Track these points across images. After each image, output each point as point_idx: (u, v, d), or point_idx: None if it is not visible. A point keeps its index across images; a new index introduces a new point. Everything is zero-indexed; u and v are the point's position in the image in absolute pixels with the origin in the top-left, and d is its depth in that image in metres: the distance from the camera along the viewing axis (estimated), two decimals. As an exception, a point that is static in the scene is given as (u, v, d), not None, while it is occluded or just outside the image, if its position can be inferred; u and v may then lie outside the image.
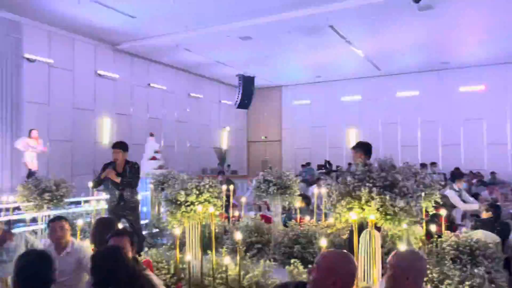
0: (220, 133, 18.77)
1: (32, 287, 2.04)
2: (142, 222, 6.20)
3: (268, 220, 5.75)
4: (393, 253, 2.17)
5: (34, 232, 4.45)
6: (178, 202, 3.37)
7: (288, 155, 19.84)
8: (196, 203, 3.38)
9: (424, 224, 4.51)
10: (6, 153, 10.22)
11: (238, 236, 3.16)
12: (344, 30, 11.56)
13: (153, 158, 9.69)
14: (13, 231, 3.84)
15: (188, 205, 3.38)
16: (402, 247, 2.70)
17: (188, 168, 15.46)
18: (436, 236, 4.36)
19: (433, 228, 4.48)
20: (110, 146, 13.29)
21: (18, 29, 10.81)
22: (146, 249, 4.04)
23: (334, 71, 16.52)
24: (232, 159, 18.69)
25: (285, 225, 5.83)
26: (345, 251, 1.97)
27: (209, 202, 3.45)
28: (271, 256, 4.82)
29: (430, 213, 4.49)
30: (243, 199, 6.36)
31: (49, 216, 4.61)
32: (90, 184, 4.81)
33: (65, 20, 11.05)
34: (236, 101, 16.28)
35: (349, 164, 16.11)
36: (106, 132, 13.21)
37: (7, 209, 4.61)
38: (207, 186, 3.47)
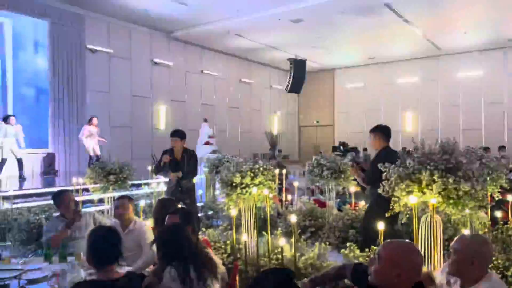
0: (271, 118, 18.80)
1: (104, 259, 2.19)
2: (198, 204, 6.42)
3: (321, 204, 5.72)
4: (457, 237, 2.09)
5: (101, 212, 4.74)
6: (234, 184, 3.45)
7: (341, 139, 19.47)
8: (251, 185, 3.44)
9: (489, 210, 4.30)
10: (73, 140, 10.92)
11: (293, 218, 3.19)
12: (401, 8, 11.04)
13: (207, 143, 9.93)
14: (82, 211, 4.12)
15: (243, 187, 3.45)
16: (466, 232, 2.60)
17: (240, 153, 15.69)
18: (501, 222, 4.13)
19: (498, 214, 4.25)
20: (166, 131, 13.81)
21: (81, 21, 11.41)
22: (203, 229, 4.19)
23: (389, 52, 15.89)
24: (283, 144, 18.68)
25: (339, 209, 5.78)
26: (408, 241, 1.92)
27: (264, 185, 3.50)
28: (325, 240, 4.81)
29: (496, 198, 4.27)
30: (296, 183, 6.37)
31: (114, 197, 4.91)
32: (149, 168, 5.03)
33: (123, 11, 11.49)
34: (287, 85, 16.17)
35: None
36: (162, 118, 13.69)
37: (77, 191, 4.97)
38: (261, 169, 3.52)
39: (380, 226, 2.98)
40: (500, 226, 4.09)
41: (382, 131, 4.31)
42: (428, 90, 16.79)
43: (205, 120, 10.96)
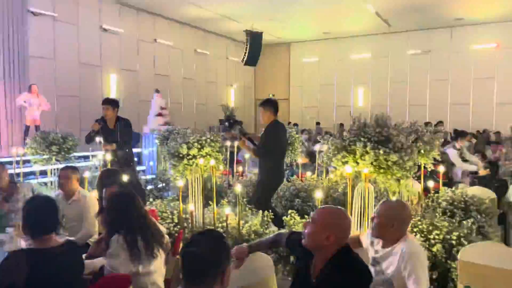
0: (227, 90, 18.71)
1: (39, 229, 2.18)
2: (149, 176, 6.40)
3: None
4: (380, 203, 2.28)
5: (45, 184, 4.62)
6: (181, 155, 3.48)
7: (296, 113, 19.81)
8: (198, 156, 3.48)
9: (422, 180, 4.62)
10: (14, 109, 10.36)
11: (239, 188, 3.29)
12: (354, -16, 11.19)
13: (159, 115, 9.78)
14: (24, 182, 4.01)
15: (190, 158, 3.49)
16: (392, 199, 2.80)
17: (196, 126, 15.58)
18: (433, 191, 4.46)
19: (430, 184, 4.58)
20: (117, 102, 13.36)
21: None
22: (151, 200, 4.21)
23: (343, 27, 16.15)
24: (240, 117, 18.71)
25: (288, 180, 5.97)
26: (339, 207, 2.06)
27: (211, 156, 3.56)
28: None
29: (429, 169, 4.59)
30: (247, 156, 6.48)
31: (58, 168, 4.78)
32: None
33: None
34: (243, 57, 16.08)
35: (318, 123, 16.07)
36: (113, 87, 13.24)
37: (17, 162, 4.78)
38: (208, 140, 3.56)
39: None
40: (431, 195, 4.43)
41: (271, 105, 4.56)
42: (379, 66, 17.32)
43: (157, 91, 10.74)
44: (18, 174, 4.56)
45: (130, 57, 13.91)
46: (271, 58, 19.23)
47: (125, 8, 13.52)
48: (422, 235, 3.04)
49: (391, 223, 2.14)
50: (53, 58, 11.63)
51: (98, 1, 12.72)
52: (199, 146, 3.49)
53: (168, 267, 2.75)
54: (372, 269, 2.32)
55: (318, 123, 16.30)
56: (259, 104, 4.65)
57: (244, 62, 16.29)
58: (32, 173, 5.33)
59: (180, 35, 15.82)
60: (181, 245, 2.96)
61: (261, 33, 16.11)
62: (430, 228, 3.05)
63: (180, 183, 3.48)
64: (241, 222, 3.41)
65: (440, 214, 3.73)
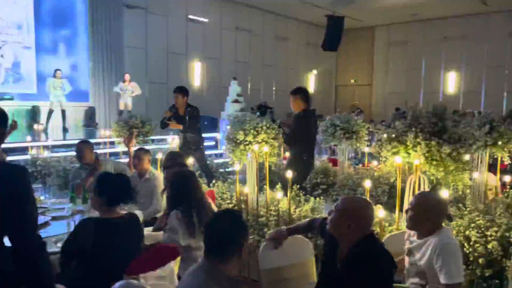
0: (307, 76, 18.63)
1: (107, 202, 2.52)
2: (222, 160, 6.77)
3: (336, 163, 5.87)
4: (415, 195, 2.25)
5: (126, 164, 5.16)
6: (238, 141, 3.69)
7: (379, 100, 19.09)
8: (254, 142, 3.66)
9: (498, 174, 4.32)
10: (112, 94, 11.49)
11: (289, 174, 3.41)
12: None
13: (236, 101, 10.16)
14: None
15: (247, 144, 3.68)
16: (445, 192, 2.72)
17: (274, 112, 15.82)
18: (508, 186, 4.15)
19: (507, 178, 4.26)
20: (200, 88, 14.13)
21: (117, -22, 11.65)
22: (213, 181, 4.51)
23: (435, 8, 15.04)
24: (319, 104, 18.54)
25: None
26: (364, 197, 2.09)
27: (266, 142, 3.71)
28: (334, 197, 5.01)
29: (506, 162, 4.30)
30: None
31: (137, 150, 5.31)
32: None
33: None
34: (323, 42, 15.86)
35: (397, 109, 15.02)
36: (196, 75, 13.99)
37: (104, 143, 5.40)
38: (264, 127, 3.72)
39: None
40: (507, 191, 4.12)
41: (302, 94, 4.57)
42: (473, 50, 15.91)
43: (234, 78, 11.14)
44: (105, 154, 5.17)
45: (213, 45, 14.52)
46: (353, 42, 18.65)
47: (210, -2, 14.11)
48: (480, 231, 2.89)
49: (426, 216, 2.12)
50: (145, 48, 12.62)
51: (186, -8, 13.45)
52: (255, 133, 3.67)
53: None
54: (406, 259, 2.32)
55: (397, 109, 15.55)
56: (290, 92, 4.68)
57: (324, 47, 16.07)
58: (117, 153, 5.99)
59: (261, 22, 16.07)
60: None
61: (343, 17, 15.71)
62: (488, 224, 2.89)
63: (237, 167, 3.70)
64: (293, 207, 3.54)
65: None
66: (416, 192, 2.99)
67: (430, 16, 16.18)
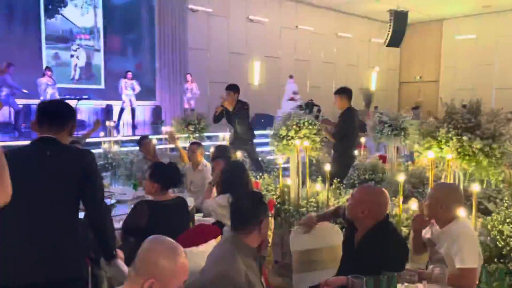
0: (369, 73, 18.30)
1: (159, 186, 2.92)
2: (275, 156, 7.05)
3: (385, 160, 5.90)
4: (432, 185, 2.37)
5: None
6: (281, 136, 3.94)
7: (446, 97, 18.12)
8: (295, 137, 3.90)
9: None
10: (176, 93, 12.26)
11: (327, 167, 3.60)
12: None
13: (292, 99, 10.38)
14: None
15: (289, 139, 3.93)
16: (475, 187, 2.78)
17: (333, 109, 15.80)
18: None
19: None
20: (259, 87, 14.48)
21: (183, -17, 12.38)
22: (260, 174, 4.81)
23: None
24: (382, 101, 18.16)
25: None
26: (378, 186, 2.27)
27: (308, 138, 3.93)
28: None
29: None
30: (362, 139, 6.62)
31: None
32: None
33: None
34: (386, 38, 15.52)
35: (463, 105, 14.08)
36: (256, 74, 14.40)
37: (165, 138, 5.92)
38: (306, 123, 3.94)
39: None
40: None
41: (346, 93, 4.87)
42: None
43: (291, 77, 11.36)
44: (165, 149, 5.69)
45: (272, 44, 14.83)
46: (419, 37, 18.00)
47: (270, -2, 14.43)
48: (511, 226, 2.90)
49: (439, 204, 2.23)
50: (207, 49, 13.26)
51: (246, -6, 13.90)
52: (297, 129, 3.90)
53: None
54: (428, 249, 2.44)
55: (464, 106, 14.77)
56: (334, 91, 5.05)
57: (386, 43, 15.72)
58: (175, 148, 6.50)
59: (321, 20, 16.09)
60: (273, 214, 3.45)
61: (407, 12, 15.25)
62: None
63: (280, 160, 3.96)
64: (333, 199, 3.73)
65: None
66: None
67: (502, 8, 15.18)
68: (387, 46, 15.87)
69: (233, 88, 5.59)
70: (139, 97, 10.74)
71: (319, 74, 16.39)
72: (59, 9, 10.09)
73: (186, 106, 11.00)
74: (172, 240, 1.48)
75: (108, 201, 3.64)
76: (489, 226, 2.94)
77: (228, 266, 1.81)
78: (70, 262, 2.00)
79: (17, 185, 1.39)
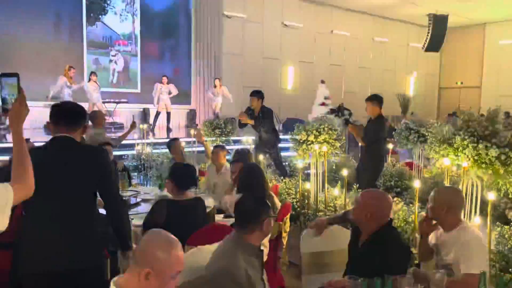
0: (406, 78, 17.91)
1: (177, 186, 3.08)
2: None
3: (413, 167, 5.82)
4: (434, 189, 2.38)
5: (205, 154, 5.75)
6: (301, 141, 4.02)
7: (489, 103, 17.44)
8: (315, 142, 3.96)
9: None
10: (206, 98, 12.52)
11: (345, 172, 3.64)
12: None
13: (323, 104, 10.37)
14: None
15: (309, 144, 3.99)
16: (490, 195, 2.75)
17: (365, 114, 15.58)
18: None
19: None
20: (293, 92, 14.52)
21: (220, -10, 12.69)
22: (281, 178, 4.89)
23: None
24: (420, 107, 17.70)
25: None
26: (381, 191, 2.31)
27: (328, 143, 3.98)
28: (408, 201, 5.03)
29: None
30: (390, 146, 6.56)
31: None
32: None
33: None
34: (424, 43, 15.16)
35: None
36: (290, 79, 14.48)
37: (194, 142, 6.13)
38: (326, 128, 3.99)
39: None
40: None
41: (378, 100, 5.00)
42: None
43: (322, 82, 11.35)
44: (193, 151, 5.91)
45: (307, 49, 14.86)
46: (460, 41, 17.44)
47: (305, 3, 14.48)
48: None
49: (442, 207, 2.25)
50: (241, 54, 13.49)
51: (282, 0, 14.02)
52: (317, 133, 3.96)
53: (273, 230, 3.36)
54: (435, 256, 2.44)
55: (506, 113, 14.14)
56: (366, 98, 5.13)
57: (425, 48, 15.35)
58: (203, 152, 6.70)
59: (357, 24, 15.95)
60: (287, 217, 3.52)
61: (447, 15, 14.84)
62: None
63: (300, 164, 4.03)
64: (350, 203, 3.76)
65: None
66: (469, 195, 3.03)
67: (551, 9, 14.46)
68: (425, 51, 15.51)
69: (257, 94, 5.73)
70: (175, 101, 11.08)
71: (354, 79, 16.23)
72: (100, 16, 10.67)
73: (216, 110, 11.22)
74: (169, 234, 1.61)
75: (133, 200, 3.87)
76: (506, 235, 2.89)
77: (228, 263, 1.93)
78: (88, 252, 2.18)
79: (39, 182, 1.56)
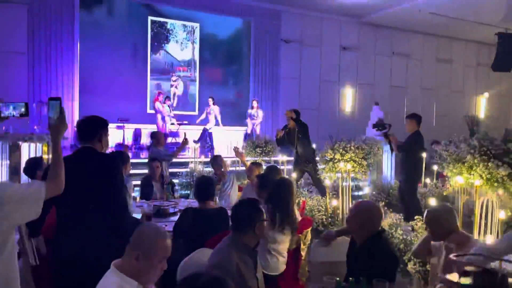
0: (476, 99, 17.01)
1: (200, 196, 3.42)
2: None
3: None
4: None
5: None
6: (328, 159, 4.19)
7: None
8: (341, 160, 4.11)
9: None
10: (268, 119, 12.94)
11: (365, 190, 3.75)
12: None
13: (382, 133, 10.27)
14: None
15: (336, 162, 4.15)
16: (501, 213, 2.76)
17: (435, 136, 14.96)
18: None
19: None
20: (351, 114, 14.44)
21: (277, 16, 13.23)
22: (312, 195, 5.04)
23: None
24: (492, 129, 16.53)
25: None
26: (371, 201, 2.47)
27: (354, 161, 4.10)
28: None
29: None
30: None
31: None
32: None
33: (315, 3, 12.65)
34: (493, 62, 14.39)
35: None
36: (348, 101, 14.48)
37: (238, 161, 6.49)
38: (353, 147, 4.13)
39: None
40: None
41: (416, 119, 5.48)
42: None
43: (376, 104, 11.23)
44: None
45: (366, 71, 14.81)
46: (537, 60, 16.23)
47: (365, 26, 14.54)
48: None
49: (434, 222, 2.37)
50: (298, 78, 13.82)
51: (340, 23, 14.22)
52: (343, 152, 4.11)
53: (291, 242, 3.56)
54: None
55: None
56: (406, 116, 5.63)
57: (494, 67, 14.55)
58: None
59: (419, 45, 15.62)
60: (308, 230, 3.69)
61: (518, 33, 14.02)
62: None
63: (327, 182, 4.19)
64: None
65: None
66: (484, 214, 3.03)
67: None
68: (494, 70, 14.67)
69: (293, 112, 5.99)
70: (235, 122, 11.58)
71: (417, 101, 15.77)
72: (163, 45, 11.69)
73: (248, 131, 11.47)
74: (160, 226, 1.93)
75: (172, 210, 4.29)
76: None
77: (222, 258, 2.20)
78: (107, 251, 2.48)
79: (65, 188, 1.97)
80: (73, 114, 10.31)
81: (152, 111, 11.18)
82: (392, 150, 5.54)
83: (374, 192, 5.74)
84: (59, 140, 2.05)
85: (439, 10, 12.85)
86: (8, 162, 6.31)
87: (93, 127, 2.65)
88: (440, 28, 14.89)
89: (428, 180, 5.98)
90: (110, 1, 11.04)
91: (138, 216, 3.83)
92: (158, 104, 10.46)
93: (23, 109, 2.11)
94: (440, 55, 16.08)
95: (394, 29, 15.01)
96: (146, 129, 10.69)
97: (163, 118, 10.40)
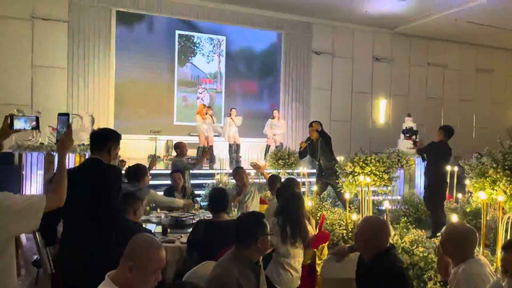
0: (521, 111, 16.19)
1: (214, 208, 3.42)
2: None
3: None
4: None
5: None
6: (347, 172, 4.08)
7: None
8: (361, 173, 3.99)
9: None
10: (299, 133, 12.83)
11: (386, 204, 3.61)
12: None
13: (409, 138, 9.97)
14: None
15: (356, 175, 4.04)
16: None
17: (468, 149, 14.35)
18: None
19: None
20: (385, 125, 14.11)
21: (309, 29, 13.20)
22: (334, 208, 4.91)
23: None
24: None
25: None
26: (380, 218, 2.36)
27: (375, 175, 3.98)
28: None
29: None
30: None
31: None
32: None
33: (346, 15, 12.55)
34: (537, 72, 13.70)
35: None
36: (382, 112, 14.15)
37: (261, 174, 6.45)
38: (373, 160, 4.00)
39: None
40: None
41: (444, 130, 5.59)
42: None
43: (408, 115, 10.92)
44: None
45: (400, 82, 14.45)
46: None
47: (398, 36, 14.24)
48: None
49: (453, 244, 2.21)
50: (330, 89, 13.67)
51: (372, 34, 14.00)
52: (363, 165, 3.99)
53: (305, 256, 3.47)
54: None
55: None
56: (439, 128, 5.68)
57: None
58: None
59: (457, 55, 15.10)
60: (323, 246, 3.60)
61: None
62: None
63: (347, 195, 4.07)
64: (397, 236, 3.68)
65: None
66: (509, 230, 2.85)
67: None
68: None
69: (316, 124, 5.90)
70: (263, 134, 11.54)
71: (455, 112, 15.20)
72: (189, 58, 11.91)
73: (268, 142, 10.96)
74: (154, 238, 1.93)
75: (190, 221, 4.31)
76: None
77: (222, 271, 2.17)
78: (106, 255, 2.49)
79: (69, 195, 2.03)
80: (108, 126, 10.66)
81: (179, 123, 11.37)
82: (423, 159, 5.62)
83: (402, 207, 5.56)
84: (65, 153, 2.11)
85: (477, 19, 12.40)
86: (42, 172, 6.60)
87: (104, 140, 2.75)
88: (479, 37, 14.35)
89: (460, 195, 5.71)
90: (147, 18, 11.43)
91: (152, 227, 3.86)
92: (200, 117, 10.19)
93: (34, 123, 2.20)
94: (480, 65, 15.46)
95: (430, 39, 14.61)
96: (174, 141, 10.76)
97: (207, 130, 10.13)
